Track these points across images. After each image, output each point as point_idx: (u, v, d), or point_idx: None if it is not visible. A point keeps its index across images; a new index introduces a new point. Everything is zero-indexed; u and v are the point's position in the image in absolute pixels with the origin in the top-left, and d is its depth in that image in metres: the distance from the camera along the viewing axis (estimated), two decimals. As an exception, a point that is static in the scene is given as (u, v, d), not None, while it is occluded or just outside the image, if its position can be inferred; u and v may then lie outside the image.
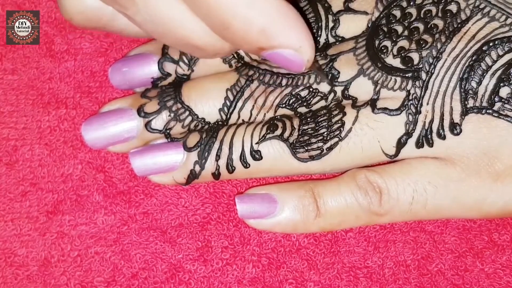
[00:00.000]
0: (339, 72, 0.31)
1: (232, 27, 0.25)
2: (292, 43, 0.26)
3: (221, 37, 0.27)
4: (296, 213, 0.31)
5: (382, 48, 0.31)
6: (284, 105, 0.32)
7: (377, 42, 0.31)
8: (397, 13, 0.31)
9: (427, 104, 0.30)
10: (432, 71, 0.30)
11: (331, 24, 0.32)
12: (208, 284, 0.32)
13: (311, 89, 0.31)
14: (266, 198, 0.31)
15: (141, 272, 0.32)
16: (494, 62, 0.29)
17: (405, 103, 0.30)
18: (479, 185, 0.30)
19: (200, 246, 0.33)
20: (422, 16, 0.31)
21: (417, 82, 0.30)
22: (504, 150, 0.29)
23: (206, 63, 0.33)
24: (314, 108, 0.32)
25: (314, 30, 0.32)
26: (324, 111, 0.31)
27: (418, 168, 0.30)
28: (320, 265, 0.32)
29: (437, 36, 0.30)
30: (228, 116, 0.32)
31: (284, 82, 0.31)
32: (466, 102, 0.30)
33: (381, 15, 0.31)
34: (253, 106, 0.32)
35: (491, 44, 0.30)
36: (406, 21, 0.31)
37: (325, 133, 0.31)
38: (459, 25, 0.30)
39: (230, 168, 0.31)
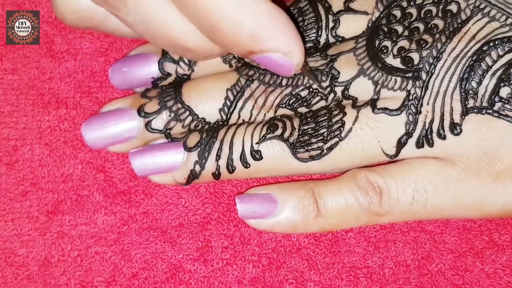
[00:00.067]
0: (339, 72, 0.31)
1: (221, 30, 0.25)
2: (281, 47, 0.26)
3: (211, 40, 0.27)
4: (296, 213, 0.31)
5: (382, 48, 0.31)
6: (284, 105, 0.32)
7: (377, 42, 0.31)
8: (398, 13, 0.31)
9: (427, 104, 0.30)
10: (432, 71, 0.30)
11: (331, 24, 0.32)
12: (208, 284, 0.32)
13: (311, 89, 0.31)
14: (266, 198, 0.31)
15: (141, 272, 0.32)
16: (494, 62, 0.29)
17: (405, 103, 0.30)
18: (479, 185, 0.30)
19: (200, 246, 0.33)
20: (422, 16, 0.31)
21: (417, 82, 0.30)
22: (504, 150, 0.29)
23: (206, 63, 0.33)
24: (314, 108, 0.32)
25: (314, 30, 0.32)
26: (324, 111, 0.31)
27: (418, 168, 0.30)
28: (320, 265, 0.32)
29: (437, 36, 0.30)
30: (228, 116, 0.32)
31: (284, 82, 0.31)
32: (466, 102, 0.30)
33: (382, 15, 0.31)
34: (253, 106, 0.32)
35: (491, 44, 0.30)
36: (406, 21, 0.31)
37: (325, 133, 0.31)
38: (459, 25, 0.30)
39: (230, 168, 0.31)
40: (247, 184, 0.34)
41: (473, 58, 0.30)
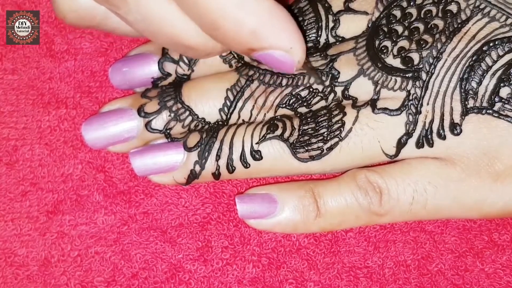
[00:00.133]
0: (339, 72, 0.31)
1: (222, 28, 0.25)
2: (283, 45, 0.26)
3: (212, 38, 0.27)
4: (296, 213, 0.31)
5: (382, 48, 0.31)
6: (284, 105, 0.32)
7: (377, 42, 0.31)
8: (397, 13, 0.31)
9: (427, 104, 0.30)
10: (432, 71, 0.30)
11: (331, 24, 0.32)
12: (208, 284, 0.32)
13: (311, 89, 0.31)
14: (266, 198, 0.31)
15: (141, 272, 0.32)
16: (494, 62, 0.29)
17: (405, 103, 0.30)
18: (479, 185, 0.30)
19: (200, 246, 0.33)
20: (422, 16, 0.31)
21: (417, 82, 0.30)
22: (504, 150, 0.29)
23: (206, 63, 0.33)
24: (314, 108, 0.32)
25: (314, 30, 0.32)
26: (324, 111, 0.31)
27: (418, 168, 0.30)
28: (320, 265, 0.32)
29: (437, 36, 0.30)
30: (228, 116, 0.32)
31: (284, 82, 0.31)
32: (466, 102, 0.30)
33: (381, 15, 0.31)
34: (253, 106, 0.32)
35: (491, 44, 0.30)
36: (406, 21, 0.31)
37: (325, 133, 0.31)
38: (459, 25, 0.30)
39: (230, 168, 0.31)
40: (247, 184, 0.34)
41: (473, 58, 0.30)
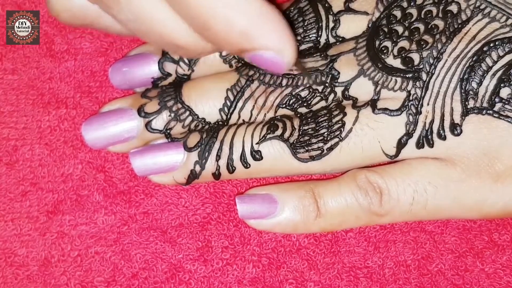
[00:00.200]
0: (339, 73, 0.31)
1: (213, 28, 0.25)
2: (273, 45, 0.26)
3: (203, 38, 0.27)
4: (296, 213, 0.31)
5: (383, 48, 0.31)
6: (284, 105, 0.32)
7: (377, 42, 0.31)
8: (398, 13, 0.31)
9: (428, 104, 0.30)
10: (433, 72, 0.30)
11: (331, 24, 0.32)
12: (208, 284, 0.32)
13: (311, 90, 0.31)
14: (267, 198, 0.32)
15: (141, 272, 0.32)
16: (495, 62, 0.29)
17: (406, 104, 0.30)
18: (479, 185, 0.30)
19: (200, 246, 0.33)
20: (422, 16, 0.31)
21: (417, 82, 0.30)
22: (505, 150, 0.29)
23: (206, 63, 0.33)
24: (314, 108, 0.32)
25: (314, 30, 0.32)
26: (325, 111, 0.31)
27: (419, 169, 0.30)
28: (320, 265, 0.32)
29: (437, 36, 0.30)
30: (229, 116, 0.32)
31: (284, 82, 0.31)
32: (466, 103, 0.30)
33: (382, 16, 0.31)
34: (254, 106, 0.32)
35: (491, 44, 0.30)
36: (406, 22, 0.31)
37: (326, 133, 0.31)
38: (459, 26, 0.30)
39: (231, 168, 0.31)
40: (247, 184, 0.34)
41: (474, 58, 0.30)
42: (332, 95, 0.31)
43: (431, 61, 0.30)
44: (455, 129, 0.30)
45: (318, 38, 0.32)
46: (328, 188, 0.31)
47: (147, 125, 0.32)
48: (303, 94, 0.31)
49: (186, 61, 0.32)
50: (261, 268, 0.32)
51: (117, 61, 0.34)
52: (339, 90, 0.31)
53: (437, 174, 0.30)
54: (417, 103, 0.30)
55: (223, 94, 0.32)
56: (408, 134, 0.30)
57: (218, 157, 0.31)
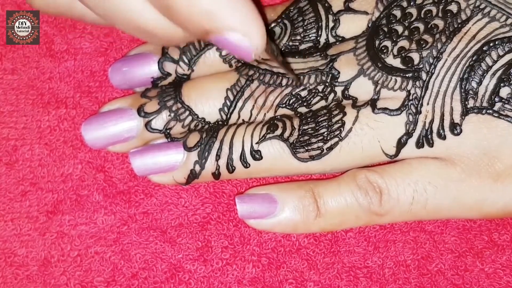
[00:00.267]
0: (339, 72, 0.31)
1: (175, 6, 0.24)
2: (238, 27, 0.25)
3: (168, 19, 0.26)
4: (296, 213, 0.31)
5: (383, 48, 0.31)
6: (284, 105, 0.32)
7: (377, 42, 0.31)
8: (398, 13, 0.31)
9: (428, 104, 0.30)
10: (433, 71, 0.30)
11: (331, 24, 0.32)
12: (208, 284, 0.32)
13: (311, 89, 0.31)
14: (266, 198, 0.31)
15: (141, 272, 0.32)
16: (495, 62, 0.29)
17: (405, 103, 0.30)
18: (479, 185, 0.30)
19: (200, 246, 0.33)
20: (422, 16, 0.31)
21: (417, 82, 0.30)
22: (504, 150, 0.29)
23: (206, 63, 0.33)
24: (314, 108, 0.32)
25: (314, 30, 0.32)
26: (324, 111, 0.31)
27: (418, 168, 0.30)
28: (320, 265, 0.32)
29: (437, 36, 0.30)
30: (228, 116, 0.32)
31: (284, 82, 0.31)
32: (466, 102, 0.30)
33: (382, 15, 0.31)
34: (253, 106, 0.32)
35: (491, 44, 0.30)
36: (406, 21, 0.31)
37: (325, 133, 0.31)
38: (459, 25, 0.30)
39: (230, 168, 0.31)
40: (247, 184, 0.34)
41: (473, 58, 0.30)
42: (332, 95, 0.31)
43: (431, 60, 0.30)
44: (455, 128, 0.30)
45: (318, 38, 0.32)
46: (328, 188, 0.31)
47: (147, 125, 0.32)
48: (303, 93, 0.31)
49: (186, 61, 0.32)
50: (261, 268, 0.32)
51: (116, 61, 0.34)
52: (339, 89, 0.31)
53: (437, 174, 0.30)
54: (417, 102, 0.30)
55: (223, 94, 0.32)
56: (408, 134, 0.30)
57: (218, 157, 0.31)
